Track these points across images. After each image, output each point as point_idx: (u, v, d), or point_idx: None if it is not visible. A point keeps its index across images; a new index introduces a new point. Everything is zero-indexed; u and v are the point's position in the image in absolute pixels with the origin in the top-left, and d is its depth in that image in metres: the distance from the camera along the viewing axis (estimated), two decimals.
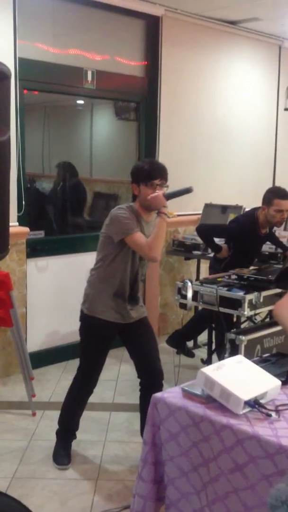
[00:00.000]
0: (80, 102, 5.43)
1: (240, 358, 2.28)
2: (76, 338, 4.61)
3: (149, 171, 2.87)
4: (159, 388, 2.90)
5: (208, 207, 5.20)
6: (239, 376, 2.10)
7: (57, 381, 4.12)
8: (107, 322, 2.91)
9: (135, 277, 2.95)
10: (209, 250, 4.50)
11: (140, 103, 4.97)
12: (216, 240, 4.10)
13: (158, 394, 2.15)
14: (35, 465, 3.00)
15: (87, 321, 2.96)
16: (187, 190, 2.98)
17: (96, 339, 2.98)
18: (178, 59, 5.00)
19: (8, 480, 2.84)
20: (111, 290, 2.90)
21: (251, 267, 3.99)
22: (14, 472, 2.92)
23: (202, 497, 1.99)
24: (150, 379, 2.97)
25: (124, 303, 2.93)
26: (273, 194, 3.73)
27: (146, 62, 4.92)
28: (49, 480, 2.86)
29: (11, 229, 3.86)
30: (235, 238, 3.95)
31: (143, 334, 3.02)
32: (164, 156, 4.98)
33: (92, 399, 3.09)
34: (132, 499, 2.18)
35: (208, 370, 2.10)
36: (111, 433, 3.14)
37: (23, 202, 4.11)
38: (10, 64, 3.78)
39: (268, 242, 4.29)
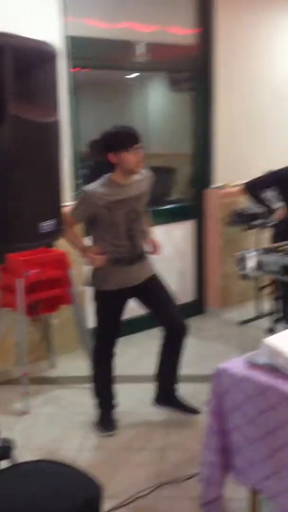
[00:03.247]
0: (133, 76, 5.38)
1: None
2: (135, 313, 4.67)
3: (128, 136, 2.84)
4: (180, 341, 3.05)
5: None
6: None
7: (119, 356, 4.17)
8: (110, 292, 2.96)
9: (131, 236, 2.94)
10: (270, 219, 4.39)
11: (195, 73, 4.85)
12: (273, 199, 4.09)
13: (222, 365, 2.14)
14: (101, 437, 3.07)
15: (93, 295, 3.06)
16: None
17: (105, 310, 3.05)
18: (232, 24, 4.82)
19: (76, 452, 2.93)
20: (109, 261, 2.93)
21: None
22: (81, 444, 3.01)
23: (270, 464, 1.98)
24: (173, 333, 3.07)
25: (127, 267, 2.95)
26: None
27: (199, 30, 4.77)
28: (116, 450, 2.92)
29: (68, 209, 3.90)
30: (283, 185, 3.94)
31: (156, 291, 3.08)
32: (220, 125, 4.87)
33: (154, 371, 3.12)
34: (200, 467, 2.20)
35: (272, 339, 2.06)
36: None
37: (79, 181, 4.15)
38: (59, 42, 3.78)
39: None
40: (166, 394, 3.15)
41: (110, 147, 2.86)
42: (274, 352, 2.01)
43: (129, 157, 2.83)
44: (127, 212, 2.91)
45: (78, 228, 4.10)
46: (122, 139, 2.84)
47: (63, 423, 3.23)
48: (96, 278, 3.01)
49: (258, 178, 4.14)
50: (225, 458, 2.13)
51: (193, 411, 3.09)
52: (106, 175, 2.95)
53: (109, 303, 3.03)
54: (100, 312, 3.07)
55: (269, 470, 1.98)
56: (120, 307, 3.05)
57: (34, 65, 1.61)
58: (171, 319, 3.06)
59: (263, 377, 2.01)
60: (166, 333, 3.08)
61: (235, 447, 2.10)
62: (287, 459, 1.90)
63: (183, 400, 3.16)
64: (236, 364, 2.14)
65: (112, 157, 2.86)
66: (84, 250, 3.00)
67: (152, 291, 3.08)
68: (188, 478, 2.61)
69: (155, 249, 3.11)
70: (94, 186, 2.93)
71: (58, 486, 1.66)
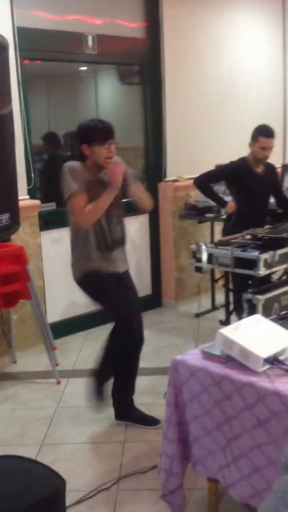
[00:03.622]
0: (83, 68, 5.34)
1: (257, 317, 2.29)
2: (94, 307, 4.64)
3: (102, 131, 2.86)
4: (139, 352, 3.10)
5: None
6: (257, 334, 2.12)
7: (79, 350, 4.19)
8: (100, 272, 2.95)
9: (111, 223, 2.96)
10: (222, 212, 4.48)
11: (144, 66, 4.87)
12: (221, 194, 4.23)
13: (178, 357, 2.19)
14: (63, 431, 3.08)
15: (85, 281, 3.00)
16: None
17: (104, 285, 2.98)
18: (179, 17, 4.86)
19: (38, 447, 2.93)
20: (91, 248, 2.93)
21: (266, 226, 3.97)
22: (43, 439, 3.01)
23: (227, 453, 2.04)
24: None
25: (110, 252, 2.96)
26: (258, 131, 3.98)
27: (147, 23, 4.79)
28: (78, 445, 2.94)
29: (22, 203, 3.88)
30: (231, 179, 4.10)
31: (128, 286, 3.08)
32: (171, 117, 4.91)
33: None
34: (159, 459, 2.24)
35: (226, 330, 2.12)
36: (136, 397, 3.20)
37: (32, 175, 4.11)
38: (8, 34, 3.71)
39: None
40: (125, 408, 3.11)
41: (85, 139, 2.89)
42: (228, 343, 2.07)
43: (101, 151, 2.85)
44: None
45: (35, 223, 4.09)
46: (96, 132, 2.86)
47: (24, 419, 3.22)
48: (83, 264, 2.96)
49: (207, 172, 4.22)
50: (184, 449, 2.18)
51: (153, 422, 3.05)
52: (78, 162, 2.94)
53: (103, 277, 2.96)
54: (103, 292, 3.00)
55: (226, 459, 2.04)
56: (116, 282, 3.01)
57: None
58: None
59: (218, 368, 2.06)
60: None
61: (193, 437, 2.15)
62: (242, 448, 1.96)
63: (142, 412, 3.12)
64: (192, 356, 2.19)
65: (85, 149, 2.89)
66: None
67: (125, 284, 3.06)
68: (149, 470, 2.65)
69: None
70: (73, 163, 2.92)
71: (22, 481, 1.66)
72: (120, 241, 3.03)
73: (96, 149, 2.86)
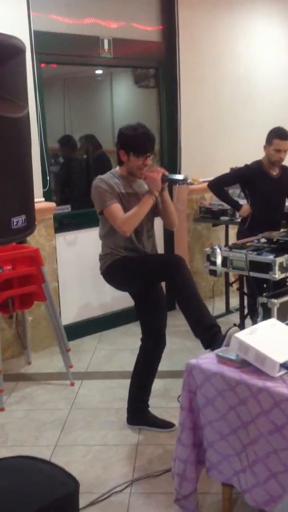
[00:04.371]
0: (99, 72, 5.35)
1: (273, 322, 2.28)
2: (108, 309, 4.65)
3: (143, 144, 2.82)
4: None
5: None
6: (273, 339, 2.11)
7: (92, 352, 4.20)
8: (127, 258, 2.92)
9: (139, 238, 2.94)
10: (237, 215, 4.47)
11: (159, 69, 4.88)
12: (236, 197, 4.26)
13: (193, 361, 2.18)
14: (77, 433, 3.09)
15: (113, 269, 2.94)
16: (184, 180, 3.00)
17: (134, 264, 2.93)
18: (195, 20, 4.86)
19: (51, 448, 2.94)
20: (121, 251, 2.93)
21: (281, 230, 3.95)
22: (56, 441, 3.01)
23: (242, 458, 2.03)
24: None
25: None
26: (274, 133, 3.97)
27: (162, 26, 4.80)
28: (91, 447, 2.94)
29: (37, 205, 3.88)
30: (246, 182, 4.09)
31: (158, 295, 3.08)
32: (186, 120, 4.91)
33: (127, 367, 3.14)
34: (173, 463, 2.23)
35: (241, 334, 2.11)
36: (150, 400, 3.19)
37: (48, 178, 4.13)
38: (25, 38, 3.74)
39: None
40: (138, 413, 3.09)
41: (124, 145, 2.87)
42: (243, 347, 2.05)
43: (137, 163, 2.85)
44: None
45: (50, 226, 4.10)
46: (137, 144, 2.83)
47: (38, 420, 3.23)
48: (112, 256, 2.94)
49: (222, 175, 4.21)
50: (199, 453, 2.17)
51: (167, 426, 3.04)
52: (112, 169, 2.96)
53: (133, 260, 2.93)
54: (133, 276, 2.96)
55: (242, 464, 2.02)
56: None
57: (2, 59, 1.59)
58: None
59: (233, 373, 2.05)
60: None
61: (208, 442, 2.14)
62: (258, 453, 1.95)
63: (156, 417, 3.10)
64: (207, 360, 2.18)
65: (122, 155, 2.88)
66: None
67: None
68: (162, 473, 2.65)
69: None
70: (106, 176, 2.91)
71: (36, 482, 1.67)
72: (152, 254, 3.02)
73: (133, 159, 2.85)
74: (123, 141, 2.88)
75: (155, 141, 2.93)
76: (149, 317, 3.05)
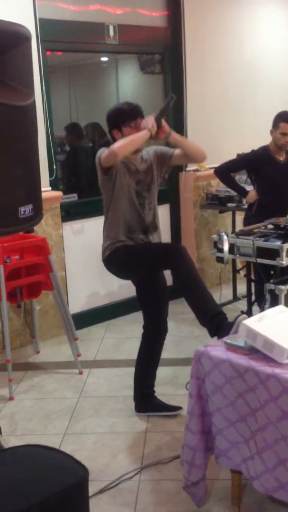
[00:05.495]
0: (104, 59, 5.31)
1: (281, 308, 2.27)
2: (116, 298, 4.64)
3: (127, 112, 2.83)
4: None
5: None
6: (281, 325, 2.10)
7: (100, 340, 4.21)
8: (128, 245, 2.91)
9: (142, 209, 2.92)
10: (244, 201, 4.44)
11: (165, 55, 4.83)
12: (242, 184, 4.25)
13: (201, 348, 2.18)
14: (86, 421, 3.10)
15: (115, 257, 2.93)
16: (171, 99, 2.97)
17: (135, 250, 2.92)
18: (200, 5, 4.80)
19: (61, 436, 2.96)
20: (123, 231, 2.91)
21: None
22: (66, 429, 3.03)
23: (251, 445, 2.03)
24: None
25: (140, 235, 2.93)
26: (280, 117, 3.96)
27: (168, 12, 4.74)
28: (100, 435, 2.96)
29: (44, 194, 3.87)
30: (253, 168, 4.08)
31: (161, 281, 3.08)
32: (191, 106, 4.87)
33: (135, 355, 3.15)
34: (181, 450, 2.24)
35: (249, 321, 2.10)
36: (157, 387, 3.21)
37: (54, 166, 4.11)
38: (31, 25, 3.71)
39: None
40: (145, 400, 3.10)
41: (114, 124, 2.87)
42: (252, 334, 2.05)
43: (131, 132, 2.82)
44: (137, 181, 2.88)
45: (57, 215, 4.10)
46: (123, 115, 2.84)
47: (47, 408, 3.25)
48: (114, 245, 2.93)
49: (228, 161, 4.18)
50: (207, 440, 2.18)
51: (174, 409, 3.06)
52: None
53: (134, 248, 2.92)
54: (136, 264, 2.96)
55: (250, 451, 2.03)
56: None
57: (8, 47, 1.58)
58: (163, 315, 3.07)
59: (241, 360, 2.05)
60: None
61: (216, 429, 2.14)
62: (267, 440, 1.95)
63: (162, 402, 3.12)
64: (215, 347, 2.18)
65: (116, 134, 2.87)
66: None
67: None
68: (171, 460, 2.66)
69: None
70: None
71: (46, 470, 1.68)
72: (152, 226, 2.99)
73: (126, 130, 2.83)
74: (112, 121, 2.89)
75: (141, 108, 2.89)
76: (150, 305, 3.06)
